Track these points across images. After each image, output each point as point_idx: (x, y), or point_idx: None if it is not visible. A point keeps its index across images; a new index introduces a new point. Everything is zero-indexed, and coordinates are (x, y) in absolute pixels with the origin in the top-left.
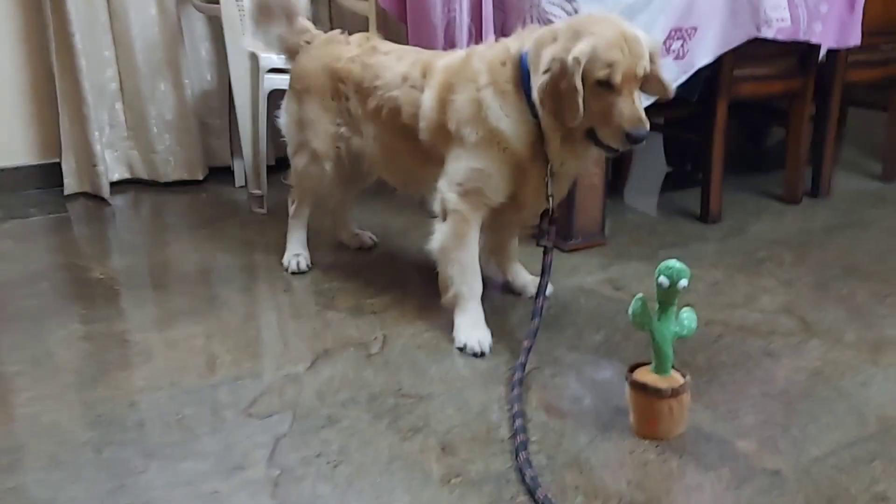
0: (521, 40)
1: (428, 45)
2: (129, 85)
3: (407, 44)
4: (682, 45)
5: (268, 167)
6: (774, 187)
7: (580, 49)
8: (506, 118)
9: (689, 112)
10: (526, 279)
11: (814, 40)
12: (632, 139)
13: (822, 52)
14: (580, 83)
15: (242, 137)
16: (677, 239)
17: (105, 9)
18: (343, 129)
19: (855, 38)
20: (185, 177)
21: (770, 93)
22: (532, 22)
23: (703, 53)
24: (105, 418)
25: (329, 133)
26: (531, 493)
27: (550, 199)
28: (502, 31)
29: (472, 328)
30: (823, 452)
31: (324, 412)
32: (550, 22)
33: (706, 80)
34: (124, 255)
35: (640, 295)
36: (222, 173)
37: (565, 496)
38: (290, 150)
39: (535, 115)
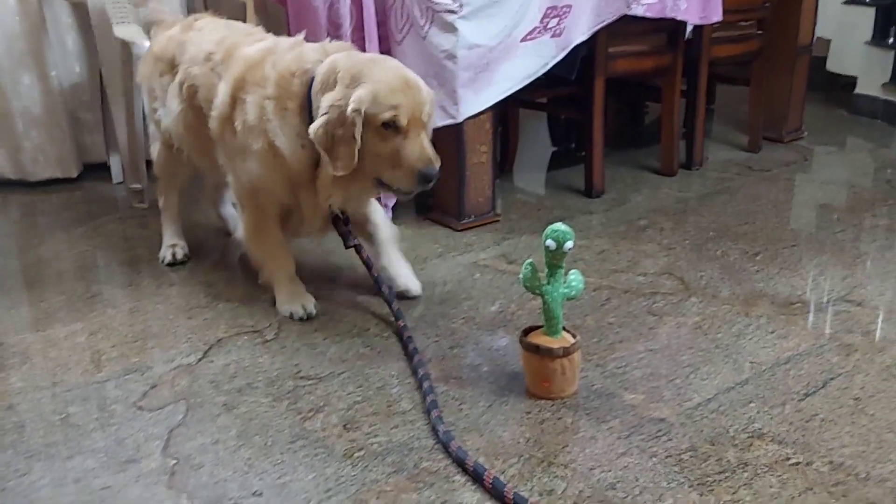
0: (322, 54)
1: (311, 28)
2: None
3: (288, 30)
4: (559, 23)
5: (147, 161)
6: (652, 161)
7: (359, 96)
8: (282, 137)
9: (569, 91)
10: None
11: (679, 17)
12: (426, 178)
13: (689, 28)
14: (359, 133)
15: (117, 130)
16: (564, 212)
17: None
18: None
19: (717, 15)
20: (58, 175)
21: (643, 69)
22: (412, 6)
23: (579, 31)
24: None
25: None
26: (445, 446)
27: (339, 213)
28: (383, 11)
29: (291, 299)
30: (704, 399)
31: (219, 399)
32: (434, 6)
33: (583, 59)
34: None
35: (529, 260)
36: (98, 169)
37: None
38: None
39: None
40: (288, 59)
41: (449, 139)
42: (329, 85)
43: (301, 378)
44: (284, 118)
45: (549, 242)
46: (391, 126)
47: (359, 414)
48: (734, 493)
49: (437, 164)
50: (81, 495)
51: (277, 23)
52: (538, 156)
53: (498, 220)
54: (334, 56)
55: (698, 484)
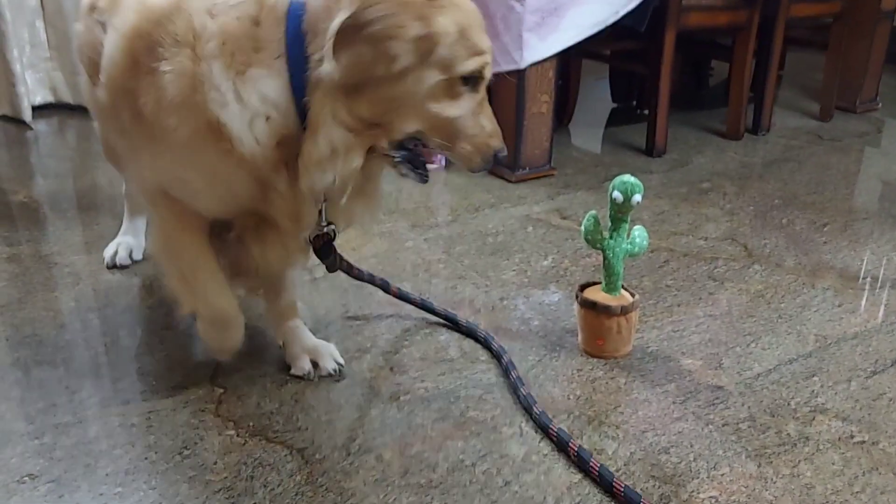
0: None
1: None
2: (51, 1)
3: None
4: None
5: None
6: (717, 123)
7: (444, 25)
8: (239, 107)
9: (636, 45)
10: (306, 344)
11: None
12: (495, 159)
13: None
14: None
15: None
16: (623, 170)
17: None
18: None
19: None
20: None
21: (716, 24)
22: None
23: None
24: (36, 338)
25: None
26: (527, 410)
27: (328, 227)
28: None
29: (219, 341)
30: (765, 369)
31: (268, 334)
32: None
33: (655, 11)
34: (48, 179)
35: (592, 212)
36: None
37: (514, 412)
38: None
39: (299, 107)
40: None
41: (509, 86)
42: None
43: (349, 318)
44: (248, 79)
45: (616, 194)
46: (470, 81)
47: (405, 358)
48: (794, 467)
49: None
50: (129, 416)
51: None
52: (597, 111)
53: (553, 174)
54: None
55: (756, 455)
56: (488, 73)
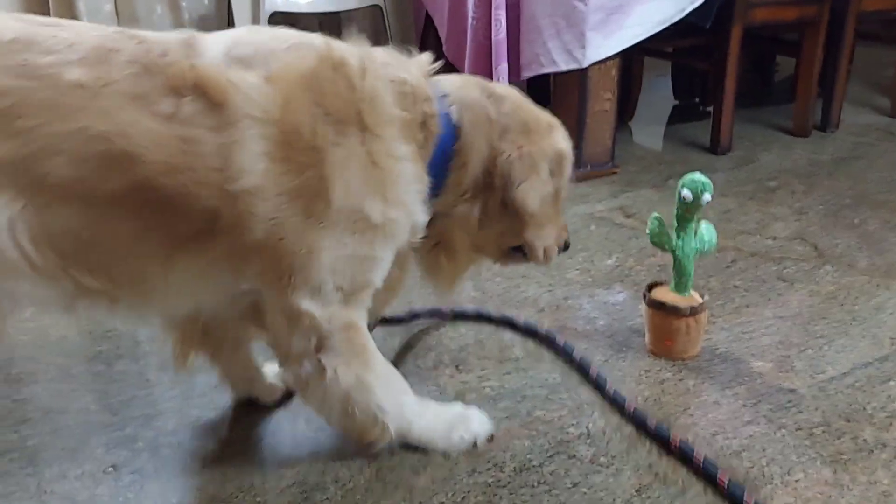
0: (423, 77)
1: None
2: (125, 8)
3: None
4: None
5: None
6: (783, 120)
7: (565, 145)
8: (422, 205)
9: (700, 41)
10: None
11: None
12: (565, 249)
13: None
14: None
15: None
16: (687, 168)
17: None
18: None
19: None
20: None
21: (785, 19)
22: None
23: None
24: (116, 332)
25: None
26: (620, 407)
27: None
28: None
29: (448, 425)
30: (839, 372)
31: None
32: None
33: (720, 7)
34: None
35: (656, 214)
36: None
37: (581, 412)
38: None
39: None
40: (396, 95)
41: (571, 84)
42: (491, 134)
43: (414, 315)
44: (422, 177)
45: (686, 193)
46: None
47: (471, 357)
48: (872, 474)
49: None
50: (206, 409)
51: None
52: (660, 108)
53: (616, 172)
54: (458, 89)
55: (831, 461)
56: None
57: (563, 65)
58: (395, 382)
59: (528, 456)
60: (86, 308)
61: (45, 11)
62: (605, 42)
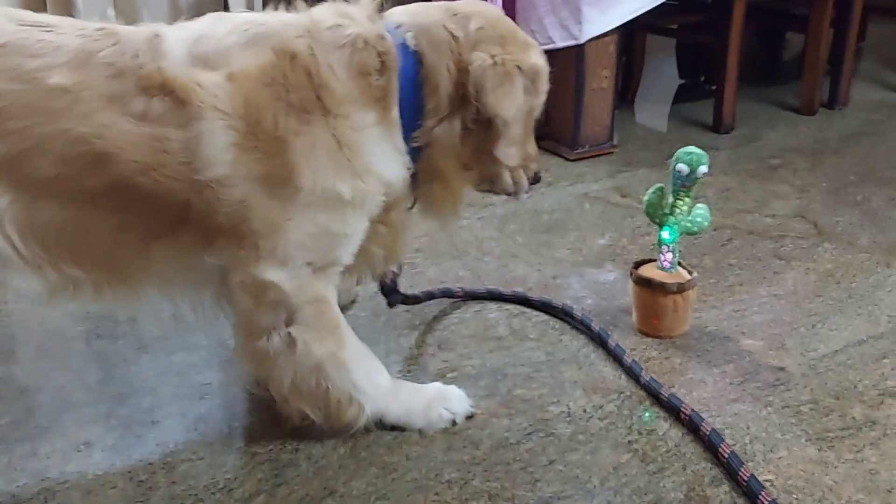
0: (371, 19)
1: None
2: None
3: None
4: None
5: None
6: (790, 98)
7: (542, 62)
8: (394, 162)
9: (703, 17)
10: None
11: None
12: (536, 181)
13: None
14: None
15: None
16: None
17: None
18: None
19: None
20: None
21: None
22: None
23: None
24: (95, 313)
25: None
26: (636, 377)
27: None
28: None
29: (425, 403)
30: (831, 350)
31: None
32: None
33: None
34: None
35: (660, 185)
36: None
37: (562, 391)
38: None
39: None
40: (343, 51)
41: (568, 61)
42: (461, 50)
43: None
44: (393, 132)
45: (681, 166)
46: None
47: (454, 335)
48: (858, 452)
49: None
50: (182, 388)
51: None
52: (663, 86)
53: (614, 152)
54: (406, 16)
55: (817, 438)
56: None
57: (560, 41)
58: (369, 360)
59: (505, 434)
60: (70, 297)
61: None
62: (602, 17)
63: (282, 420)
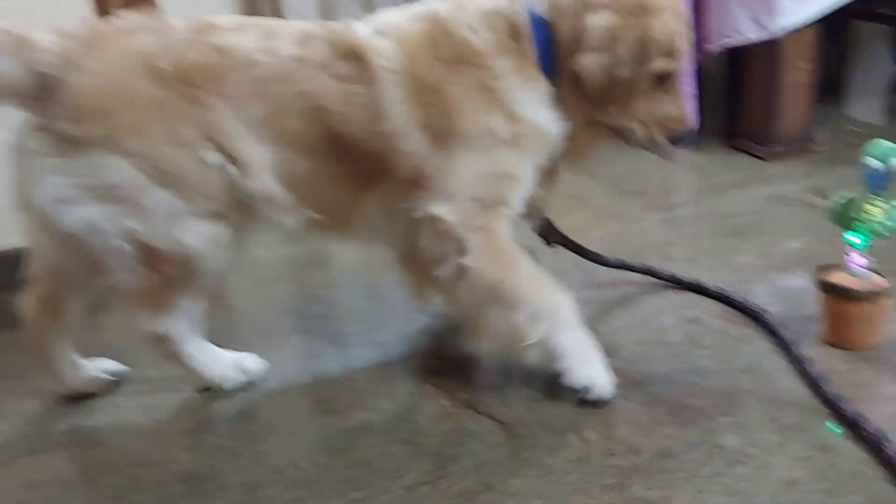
0: None
1: None
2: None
3: None
4: None
5: None
6: None
7: (660, 29)
8: (541, 108)
9: None
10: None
11: None
12: (677, 140)
13: None
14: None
15: None
16: None
17: None
18: (221, 166)
19: None
20: None
21: None
22: None
23: None
24: (294, 310)
25: (209, 177)
26: (836, 410)
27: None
28: None
29: (589, 360)
30: None
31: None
32: None
33: None
34: None
35: (847, 193)
36: None
37: (734, 401)
38: (157, 231)
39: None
40: (483, 15)
41: (760, 54)
42: (582, 8)
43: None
44: (536, 86)
45: (872, 161)
46: (660, 76)
47: (623, 340)
48: None
49: (692, 127)
50: (357, 379)
51: None
52: (874, 78)
53: (815, 150)
54: None
55: None
56: (676, 70)
57: (752, 34)
58: (544, 283)
59: (669, 443)
60: (311, 236)
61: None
62: (800, 7)
63: (446, 416)
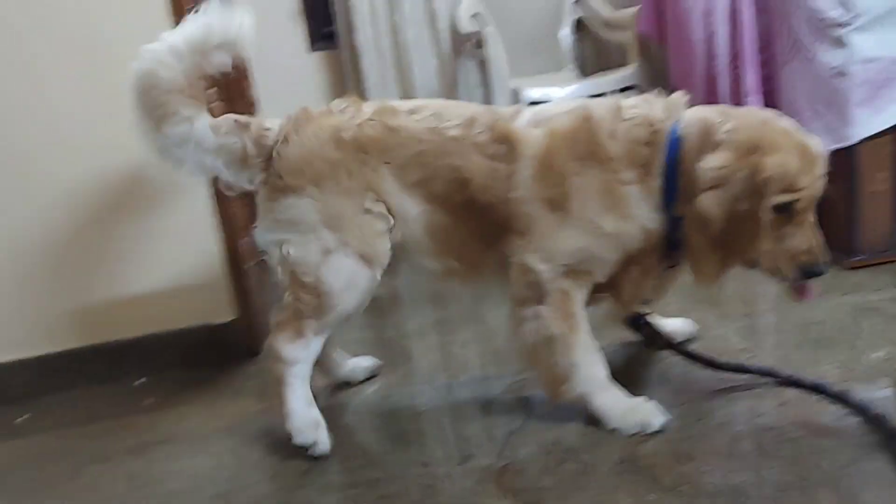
0: (668, 110)
1: (687, 63)
2: None
3: (668, 67)
4: None
5: None
6: None
7: (773, 166)
8: (649, 217)
9: None
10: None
11: None
12: (808, 274)
13: None
14: (768, 211)
15: None
16: None
17: (393, 63)
18: (379, 215)
19: None
20: None
21: None
22: (799, 26)
23: None
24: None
25: (367, 224)
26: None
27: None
28: (766, 36)
29: (628, 407)
30: None
31: (556, 413)
32: (822, 22)
33: None
34: None
35: None
36: None
37: None
38: (309, 262)
39: (667, 206)
40: (627, 126)
41: (838, 163)
42: (708, 146)
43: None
44: (651, 194)
45: None
46: (783, 210)
47: (694, 449)
48: None
49: (823, 262)
50: (425, 478)
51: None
52: None
53: None
54: (699, 111)
55: None
56: (801, 206)
57: (828, 145)
58: (593, 353)
59: None
60: (446, 279)
61: None
62: (876, 117)
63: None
